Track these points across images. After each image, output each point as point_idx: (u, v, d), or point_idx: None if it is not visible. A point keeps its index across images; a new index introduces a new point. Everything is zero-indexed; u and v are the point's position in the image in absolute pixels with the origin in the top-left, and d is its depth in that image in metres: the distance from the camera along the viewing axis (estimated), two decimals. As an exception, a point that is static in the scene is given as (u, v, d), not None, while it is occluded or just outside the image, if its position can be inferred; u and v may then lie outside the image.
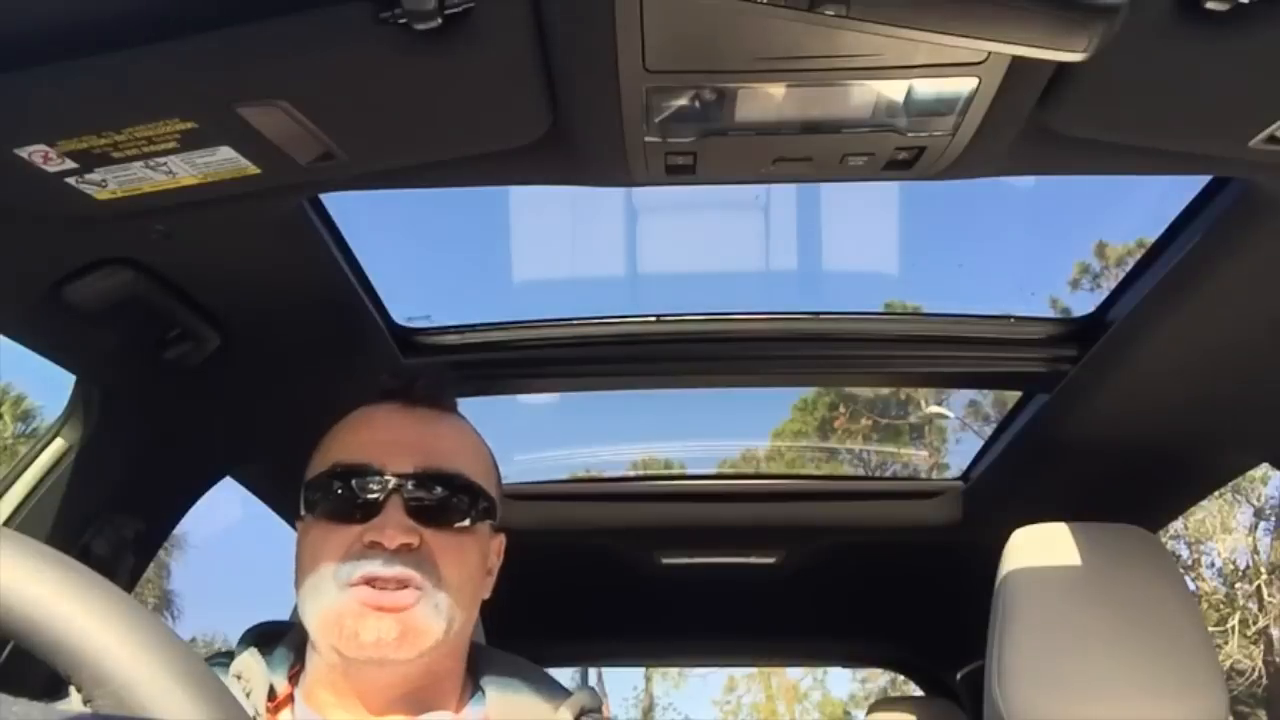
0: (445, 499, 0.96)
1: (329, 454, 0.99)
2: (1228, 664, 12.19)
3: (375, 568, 0.91)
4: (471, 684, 1.03)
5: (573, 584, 2.32)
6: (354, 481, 0.95)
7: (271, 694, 0.95)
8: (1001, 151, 0.97)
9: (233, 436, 1.51)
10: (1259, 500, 13.28)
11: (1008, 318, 1.55)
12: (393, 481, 0.94)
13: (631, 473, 2.78)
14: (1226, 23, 0.75)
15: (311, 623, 0.94)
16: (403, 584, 0.92)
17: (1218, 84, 0.84)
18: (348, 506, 0.95)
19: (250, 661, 0.96)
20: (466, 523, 0.98)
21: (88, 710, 0.44)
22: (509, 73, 0.86)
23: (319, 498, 0.97)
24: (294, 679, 0.98)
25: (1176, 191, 1.19)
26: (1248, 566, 13.31)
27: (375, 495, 0.94)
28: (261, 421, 1.11)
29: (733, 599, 2.34)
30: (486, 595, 1.04)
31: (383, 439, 0.98)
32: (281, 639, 1.02)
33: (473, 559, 0.99)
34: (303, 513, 1.00)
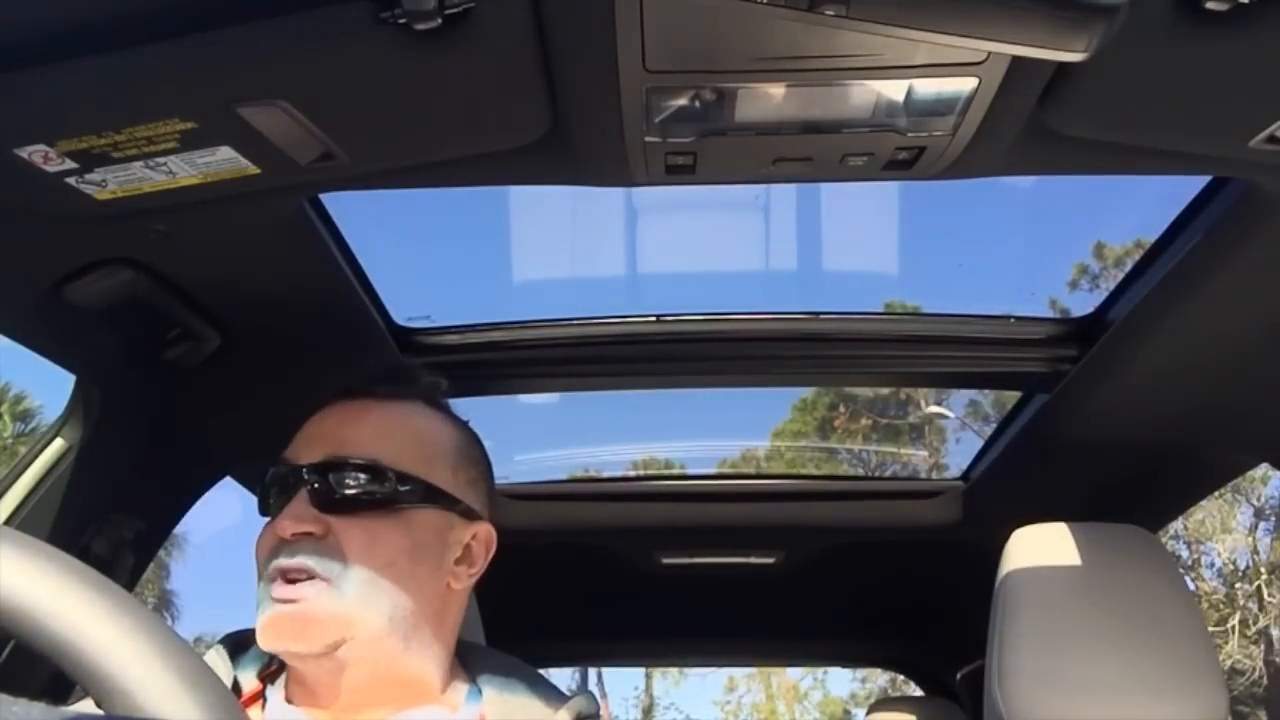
0: (350, 485, 0.95)
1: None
2: (1228, 664, 12.19)
3: (281, 560, 0.92)
4: (466, 681, 1.03)
5: (572, 584, 2.32)
6: (273, 478, 0.97)
7: (236, 691, 0.95)
8: (1001, 151, 0.97)
9: (233, 436, 1.51)
10: (1259, 500, 13.31)
11: (1008, 318, 1.55)
12: (300, 473, 0.95)
13: (631, 473, 2.77)
14: (1226, 23, 0.75)
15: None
16: (304, 575, 0.91)
17: (1218, 84, 0.84)
18: (271, 503, 0.96)
19: (214, 659, 0.96)
20: (373, 507, 0.95)
21: (88, 710, 0.44)
22: (509, 73, 0.86)
23: (260, 499, 0.99)
24: (268, 679, 0.98)
25: (1176, 191, 1.19)
26: (1248, 566, 13.32)
27: (288, 489, 0.95)
28: (261, 421, 1.11)
29: (733, 599, 2.34)
30: (459, 586, 1.01)
31: (304, 434, 0.99)
32: (256, 642, 1.02)
33: (391, 544, 0.95)
34: None
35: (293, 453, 0.98)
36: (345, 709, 0.95)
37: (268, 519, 0.97)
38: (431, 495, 0.99)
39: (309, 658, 0.92)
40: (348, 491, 0.94)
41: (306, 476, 0.94)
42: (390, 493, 0.96)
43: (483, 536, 1.03)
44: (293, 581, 0.91)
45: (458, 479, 1.02)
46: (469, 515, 1.02)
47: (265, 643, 0.92)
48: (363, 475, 0.95)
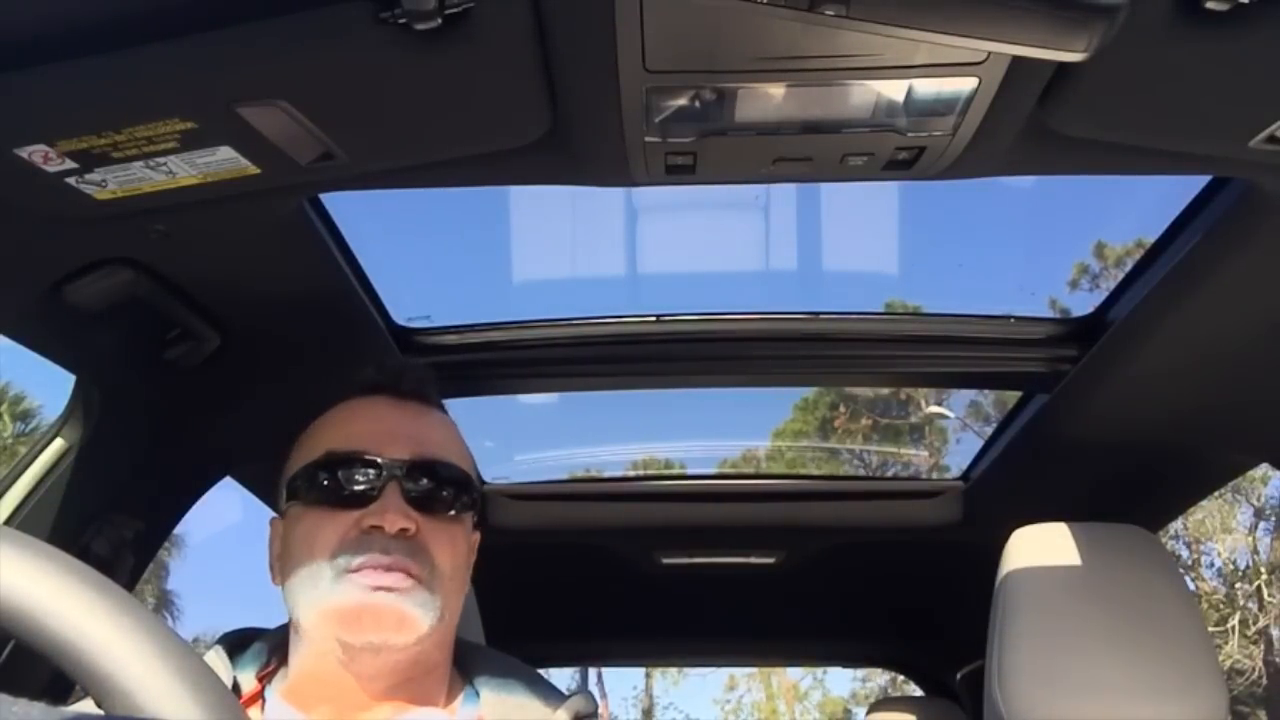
0: (439, 488, 0.98)
1: (319, 444, 0.99)
2: (1228, 664, 12.18)
3: (375, 555, 0.92)
4: (463, 683, 1.03)
5: (572, 584, 2.33)
6: (350, 469, 0.96)
7: (236, 691, 0.95)
8: (1001, 151, 0.97)
9: (233, 436, 1.51)
10: (1259, 500, 13.30)
11: (1008, 318, 1.55)
12: (390, 469, 0.95)
13: (631, 473, 2.77)
14: (1226, 23, 0.75)
15: (307, 612, 0.94)
16: (400, 570, 0.92)
17: (1218, 84, 0.84)
18: (343, 494, 0.95)
19: (214, 660, 0.96)
20: (455, 513, 0.99)
21: (88, 710, 0.44)
22: (509, 73, 0.86)
23: (309, 486, 0.97)
24: (266, 679, 0.98)
25: (1176, 191, 1.19)
26: (1248, 566, 13.31)
27: (373, 482, 0.95)
28: (261, 421, 1.11)
29: (733, 599, 2.34)
30: (465, 589, 1.04)
31: (376, 428, 0.99)
32: (254, 641, 1.02)
33: (462, 549, 1.00)
34: (285, 503, 1.00)
35: (363, 445, 0.97)
36: (351, 709, 0.95)
37: (307, 505, 0.96)
38: (476, 503, 1.03)
39: (389, 649, 0.93)
40: (440, 494, 0.97)
41: (400, 474, 0.95)
42: (461, 498, 1.00)
43: (475, 541, 1.07)
44: (388, 573, 0.92)
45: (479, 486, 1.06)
46: (474, 523, 1.06)
47: (349, 629, 0.92)
48: (447, 479, 0.99)
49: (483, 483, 1.99)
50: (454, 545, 0.98)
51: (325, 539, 0.93)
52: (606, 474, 2.52)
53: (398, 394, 1.04)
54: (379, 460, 0.96)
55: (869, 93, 0.90)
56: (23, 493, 1.30)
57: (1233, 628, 12.70)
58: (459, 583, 0.99)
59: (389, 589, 0.92)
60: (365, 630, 0.92)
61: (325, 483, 0.96)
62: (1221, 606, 13.04)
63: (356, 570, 0.92)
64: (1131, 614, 1.33)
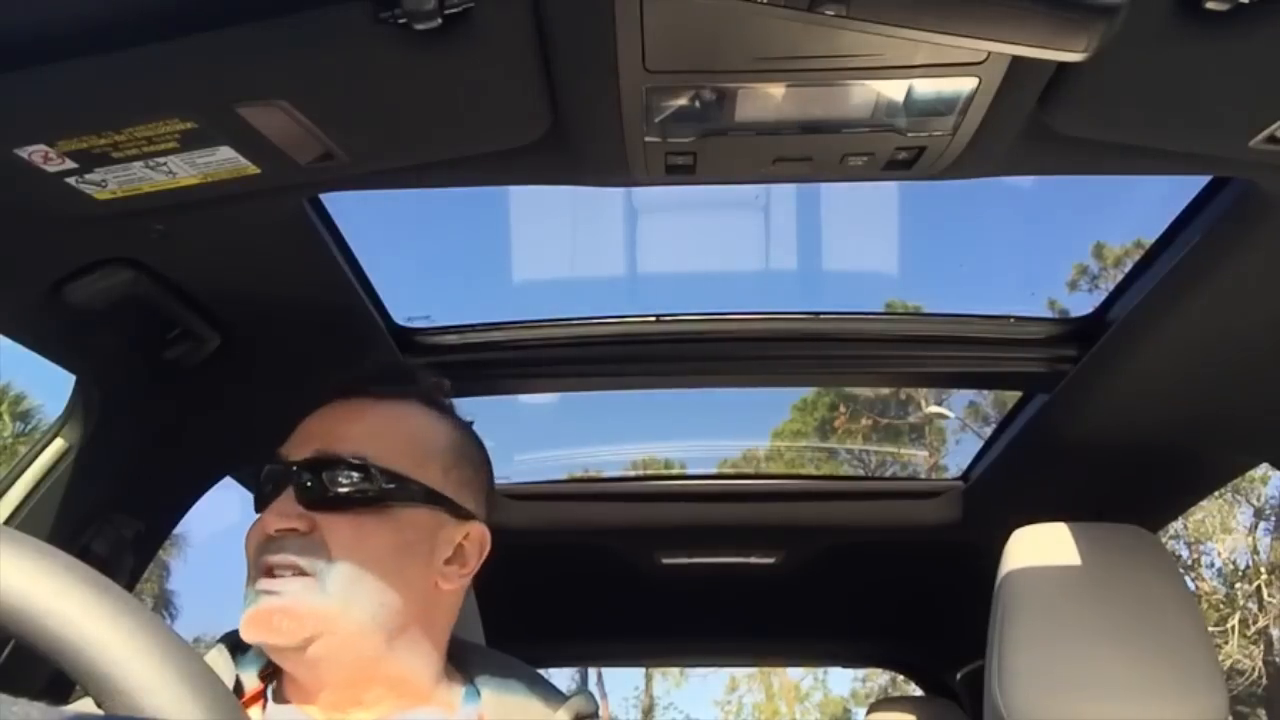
0: (336, 482, 0.95)
1: None
2: (1228, 664, 12.18)
3: (266, 555, 0.93)
4: (464, 681, 1.03)
5: (572, 584, 2.32)
6: (267, 477, 0.98)
7: (239, 690, 0.95)
8: (1001, 151, 0.97)
9: (233, 436, 1.51)
10: (1259, 500, 13.30)
11: (1008, 318, 1.55)
12: (289, 471, 0.96)
13: (631, 473, 2.78)
14: (1226, 23, 0.75)
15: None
16: (289, 570, 0.92)
17: (1218, 84, 0.84)
18: (260, 500, 0.98)
19: (216, 659, 0.96)
20: (361, 505, 0.95)
21: (88, 710, 0.44)
22: (509, 73, 0.86)
23: (256, 495, 1.00)
24: (269, 678, 0.98)
25: (1176, 192, 1.19)
26: (1248, 566, 13.32)
27: (278, 486, 0.96)
28: (261, 421, 1.11)
29: (733, 599, 2.33)
30: (448, 586, 1.01)
31: (299, 431, 1.00)
32: None
33: (377, 542, 0.95)
34: None
35: (285, 450, 0.99)
36: (335, 707, 0.95)
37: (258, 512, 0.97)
38: (421, 494, 0.99)
39: (286, 651, 0.93)
40: (335, 489, 0.95)
41: (295, 473, 0.95)
42: (378, 491, 0.96)
43: (475, 536, 1.03)
44: (277, 576, 0.92)
45: (449, 479, 1.01)
46: (460, 515, 1.01)
47: (245, 634, 0.93)
48: (351, 473, 0.96)
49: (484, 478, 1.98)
50: (359, 537, 0.94)
51: (249, 546, 0.96)
52: (606, 474, 2.53)
53: (344, 394, 1.04)
54: (283, 463, 0.97)
55: (869, 93, 0.90)
56: (23, 493, 1.30)
57: (1233, 628, 12.70)
58: (380, 576, 0.94)
59: (271, 592, 0.92)
60: (250, 633, 0.93)
61: (258, 491, 0.99)
62: (1221, 606, 13.04)
63: (254, 580, 0.93)
64: (1131, 614, 1.33)
